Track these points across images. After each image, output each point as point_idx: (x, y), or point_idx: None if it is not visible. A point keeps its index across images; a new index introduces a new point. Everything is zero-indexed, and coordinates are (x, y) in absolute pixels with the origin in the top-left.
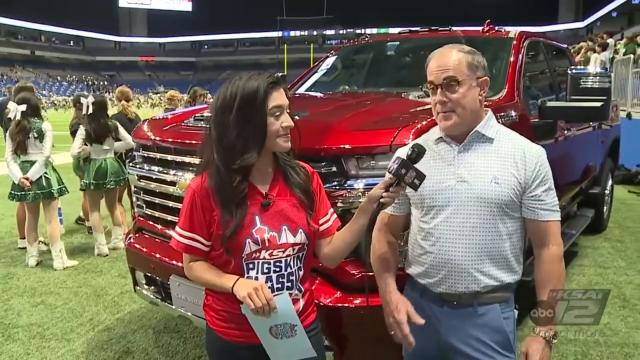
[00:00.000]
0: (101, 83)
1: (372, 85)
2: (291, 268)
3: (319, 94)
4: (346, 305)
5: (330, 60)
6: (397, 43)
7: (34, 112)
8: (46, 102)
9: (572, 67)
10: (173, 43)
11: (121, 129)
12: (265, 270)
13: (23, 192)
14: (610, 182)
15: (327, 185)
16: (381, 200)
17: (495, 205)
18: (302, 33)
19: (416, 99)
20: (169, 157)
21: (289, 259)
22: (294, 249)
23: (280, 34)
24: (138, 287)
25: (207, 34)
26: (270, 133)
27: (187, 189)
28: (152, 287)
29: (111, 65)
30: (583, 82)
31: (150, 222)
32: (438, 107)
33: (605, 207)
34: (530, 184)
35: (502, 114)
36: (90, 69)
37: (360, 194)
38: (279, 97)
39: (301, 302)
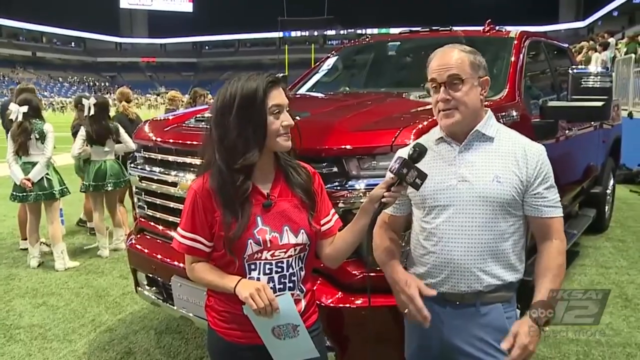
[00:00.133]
0: (102, 84)
1: (373, 85)
2: (293, 268)
3: (320, 95)
4: (348, 305)
5: (331, 61)
6: (398, 43)
7: (35, 113)
8: (45, 104)
9: (573, 66)
10: (174, 44)
11: (122, 131)
12: (267, 271)
13: (24, 193)
14: (611, 182)
15: (328, 185)
16: (382, 200)
17: (497, 204)
18: (303, 33)
19: (417, 99)
20: (170, 158)
21: (290, 259)
22: (295, 250)
23: (281, 34)
24: (140, 288)
25: (208, 35)
26: (270, 132)
27: (189, 190)
28: (154, 288)
29: (112, 66)
30: (584, 81)
31: (152, 223)
32: (440, 105)
33: (606, 207)
34: (532, 182)
35: (503, 113)
36: (92, 70)
37: (361, 194)
38: (278, 96)
39: (303, 303)
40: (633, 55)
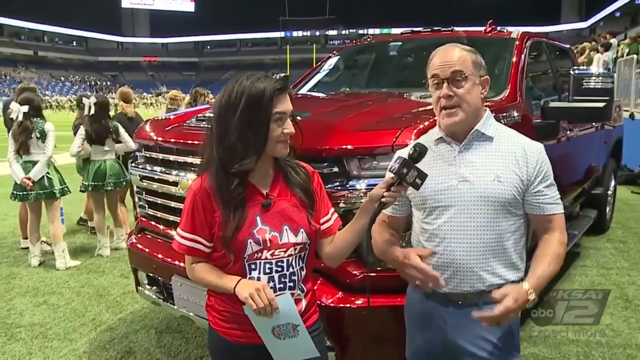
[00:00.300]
0: (104, 83)
1: (375, 85)
2: (293, 268)
3: (321, 95)
4: (348, 305)
5: (332, 61)
6: (400, 43)
7: (36, 112)
8: (46, 104)
9: (575, 67)
10: (176, 43)
11: (122, 131)
12: (267, 271)
13: (25, 192)
14: (613, 183)
15: (329, 185)
16: (382, 199)
17: (499, 204)
18: (305, 33)
19: (418, 100)
20: (171, 158)
21: (290, 258)
22: (295, 249)
23: (282, 34)
24: (140, 288)
25: (210, 35)
26: (271, 138)
27: (188, 190)
28: (154, 288)
29: (114, 66)
30: (585, 82)
31: (153, 223)
32: (442, 102)
33: (608, 208)
34: (532, 181)
35: (505, 114)
36: (93, 69)
37: (362, 194)
38: (284, 103)
39: (304, 302)
40: (635, 56)
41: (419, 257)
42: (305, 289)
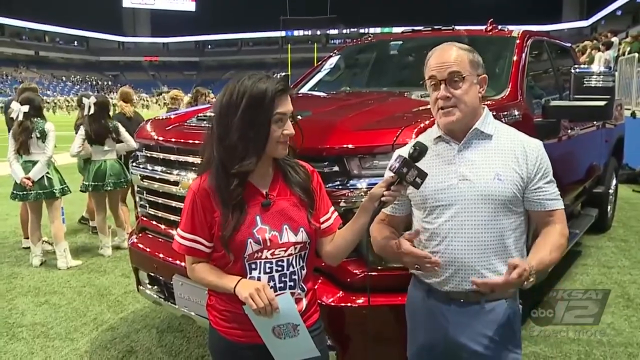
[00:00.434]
0: (105, 83)
1: (375, 84)
2: (293, 267)
3: (321, 94)
4: (349, 304)
5: (333, 60)
6: (400, 42)
7: (36, 112)
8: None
9: (576, 66)
10: (177, 43)
11: (123, 131)
12: (268, 270)
13: (25, 192)
14: (614, 182)
15: (329, 184)
16: (382, 198)
17: (499, 202)
18: (306, 32)
19: (419, 99)
20: (172, 157)
21: (291, 258)
22: (295, 248)
23: (283, 33)
24: (141, 287)
25: (211, 34)
26: (271, 139)
27: (188, 191)
28: (155, 287)
29: (115, 65)
30: (586, 81)
31: (154, 222)
32: (440, 103)
33: (609, 207)
34: (532, 178)
35: (506, 113)
36: (94, 69)
37: (362, 193)
38: (285, 104)
39: (304, 302)
40: (636, 55)
41: (409, 242)
42: (305, 288)
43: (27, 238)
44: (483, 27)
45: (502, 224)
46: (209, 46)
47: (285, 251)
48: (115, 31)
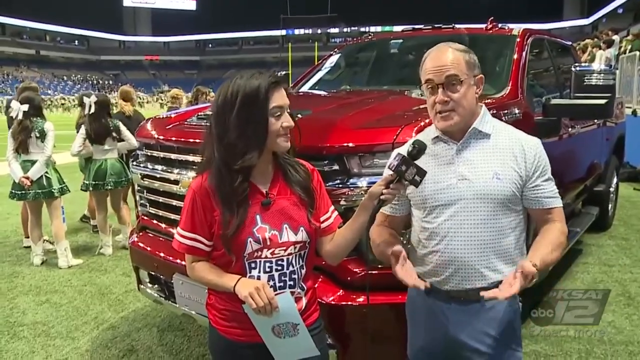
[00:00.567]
0: (106, 82)
1: (376, 83)
2: (293, 266)
3: (322, 92)
4: (349, 303)
5: (333, 59)
6: (401, 41)
7: (36, 111)
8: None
9: (576, 64)
10: (177, 42)
11: (124, 129)
12: (267, 269)
13: (23, 191)
14: (615, 180)
15: (329, 183)
16: (382, 197)
17: (498, 201)
18: (306, 31)
19: (419, 97)
20: (172, 156)
21: (290, 257)
22: (295, 247)
23: (284, 32)
24: (142, 286)
25: (211, 33)
26: (270, 133)
27: (188, 190)
28: (156, 286)
29: (116, 65)
30: (587, 79)
31: (154, 221)
32: (438, 107)
33: (610, 205)
34: (531, 176)
35: (506, 111)
36: (95, 68)
37: (362, 192)
38: (280, 97)
39: (304, 301)
40: (637, 53)
41: (398, 257)
42: (305, 287)
43: (28, 237)
44: (483, 26)
45: (502, 222)
46: (210, 45)
47: (285, 250)
48: (116, 30)
